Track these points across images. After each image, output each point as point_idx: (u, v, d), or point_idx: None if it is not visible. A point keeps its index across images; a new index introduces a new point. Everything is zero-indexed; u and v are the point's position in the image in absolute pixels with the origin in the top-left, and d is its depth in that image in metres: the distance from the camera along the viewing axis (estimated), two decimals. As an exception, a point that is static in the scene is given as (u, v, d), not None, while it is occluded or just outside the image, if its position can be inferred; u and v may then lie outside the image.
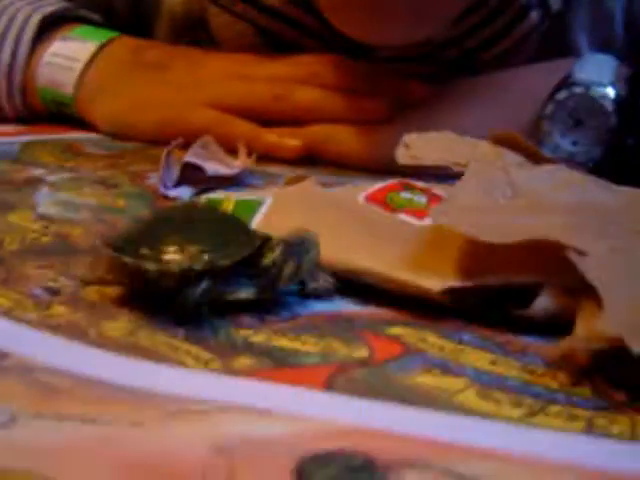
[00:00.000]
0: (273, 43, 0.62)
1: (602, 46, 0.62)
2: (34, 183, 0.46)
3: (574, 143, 0.53)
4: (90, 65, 0.61)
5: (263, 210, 0.37)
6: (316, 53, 0.59)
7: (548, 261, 0.31)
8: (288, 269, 0.31)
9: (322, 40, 0.60)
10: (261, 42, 0.63)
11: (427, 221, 0.36)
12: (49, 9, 0.62)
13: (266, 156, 0.55)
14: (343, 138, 0.56)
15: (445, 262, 0.32)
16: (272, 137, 0.56)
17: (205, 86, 0.58)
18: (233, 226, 0.33)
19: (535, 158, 0.45)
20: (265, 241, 0.32)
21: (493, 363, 0.28)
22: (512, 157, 0.44)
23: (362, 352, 0.28)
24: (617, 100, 0.52)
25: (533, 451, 0.23)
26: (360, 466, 0.21)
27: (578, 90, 0.52)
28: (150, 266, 0.30)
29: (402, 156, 0.44)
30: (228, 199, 0.39)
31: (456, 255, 0.32)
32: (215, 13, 0.64)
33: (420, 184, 0.42)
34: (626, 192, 0.41)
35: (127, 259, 0.30)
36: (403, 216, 0.37)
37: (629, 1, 0.62)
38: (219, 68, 0.59)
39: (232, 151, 0.51)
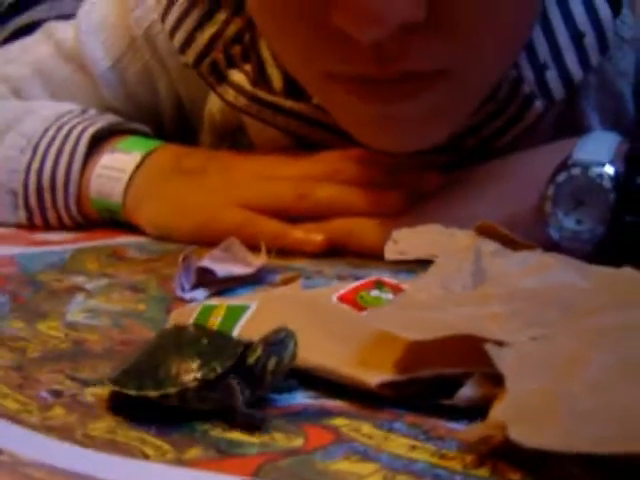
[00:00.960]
0: (304, 144, 0.68)
1: (614, 124, 0.66)
2: (73, 291, 0.53)
3: (578, 222, 0.55)
4: (136, 174, 0.68)
5: (248, 314, 0.43)
6: (339, 150, 0.65)
7: (474, 353, 0.36)
8: (271, 365, 0.36)
9: (348, 138, 0.65)
10: (293, 145, 0.69)
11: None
12: (100, 125, 0.70)
13: (290, 252, 0.61)
14: (363, 231, 0.61)
15: (385, 358, 0.37)
16: (298, 234, 0.62)
17: (235, 188, 0.65)
18: (218, 340, 0.38)
19: (513, 245, 0.49)
20: (247, 346, 0.37)
21: (412, 449, 0.33)
22: (488, 245, 0.49)
23: (297, 442, 0.33)
24: (616, 178, 0.54)
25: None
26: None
27: (576, 171, 0.54)
28: (151, 394, 0.36)
29: (389, 251, 0.49)
30: (221, 306, 0.44)
31: (395, 351, 0.37)
32: (249, 121, 0.71)
33: (392, 281, 0.47)
34: (599, 273, 0.45)
35: (131, 392, 0.36)
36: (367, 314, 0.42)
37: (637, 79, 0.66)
38: (248, 170, 0.66)
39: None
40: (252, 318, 0.43)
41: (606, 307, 0.40)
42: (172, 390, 0.35)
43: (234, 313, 0.43)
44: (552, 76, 0.61)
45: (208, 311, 0.44)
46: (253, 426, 0.35)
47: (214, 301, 0.46)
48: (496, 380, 0.35)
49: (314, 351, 0.39)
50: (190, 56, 0.67)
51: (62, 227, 0.70)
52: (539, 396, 0.32)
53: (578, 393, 0.32)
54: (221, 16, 0.66)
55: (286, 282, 0.49)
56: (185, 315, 0.44)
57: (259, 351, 0.36)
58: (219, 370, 0.36)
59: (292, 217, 0.63)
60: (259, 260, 0.56)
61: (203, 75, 0.67)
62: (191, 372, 0.36)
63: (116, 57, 0.74)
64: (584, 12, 0.61)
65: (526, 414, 0.31)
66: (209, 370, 0.36)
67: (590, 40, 0.61)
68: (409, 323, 0.37)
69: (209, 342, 0.37)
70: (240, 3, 0.65)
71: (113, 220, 0.69)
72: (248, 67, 0.66)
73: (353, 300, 0.44)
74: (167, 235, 0.65)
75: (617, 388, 0.33)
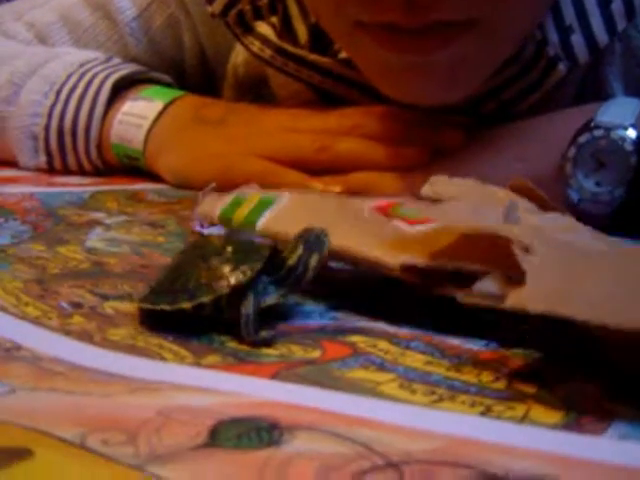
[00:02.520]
0: (326, 99, 0.68)
1: (637, 92, 0.65)
2: (92, 225, 0.53)
3: (598, 184, 0.55)
4: (157, 122, 0.68)
5: (275, 208, 0.44)
6: (361, 106, 0.65)
7: (498, 254, 0.35)
8: (313, 262, 0.37)
9: (371, 94, 0.65)
10: (316, 99, 0.69)
11: (416, 228, 0.41)
12: (123, 72, 0.70)
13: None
14: (381, 185, 0.61)
15: (411, 248, 0.38)
16: (317, 185, 0.62)
17: (257, 139, 0.65)
18: (243, 246, 0.38)
19: (543, 207, 0.49)
20: (273, 248, 0.37)
21: (428, 364, 0.33)
22: (524, 204, 0.49)
23: (315, 354, 0.34)
24: (637, 141, 0.54)
25: (419, 424, 0.28)
26: (264, 427, 0.27)
27: (598, 133, 0.55)
28: (185, 305, 0.36)
29: (426, 190, 0.49)
30: (253, 197, 0.45)
31: (421, 244, 0.38)
32: (273, 73, 0.71)
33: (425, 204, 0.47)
34: (620, 244, 0.45)
35: (165, 307, 0.36)
36: (396, 222, 0.43)
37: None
38: (270, 122, 0.66)
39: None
40: (280, 212, 0.43)
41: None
42: (206, 299, 0.36)
43: (264, 203, 0.44)
44: (577, 40, 0.61)
45: (239, 202, 0.45)
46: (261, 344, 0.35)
47: (248, 193, 0.47)
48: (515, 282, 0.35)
49: (341, 239, 0.39)
50: (217, 6, 0.67)
51: (82, 172, 0.71)
52: (554, 288, 0.32)
53: (590, 290, 0.32)
54: None
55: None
56: (214, 204, 0.46)
57: (300, 250, 0.37)
58: (249, 273, 0.36)
59: (312, 170, 0.63)
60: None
61: (229, 25, 0.68)
62: (223, 279, 0.36)
63: (142, 6, 0.74)
64: None
65: (540, 297, 0.31)
66: (240, 274, 0.36)
67: (617, 5, 0.61)
68: (442, 215, 0.38)
69: (234, 250, 0.38)
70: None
71: (132, 167, 0.70)
72: (274, 19, 0.67)
73: (385, 210, 0.44)
74: (186, 183, 0.66)
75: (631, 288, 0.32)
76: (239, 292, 0.36)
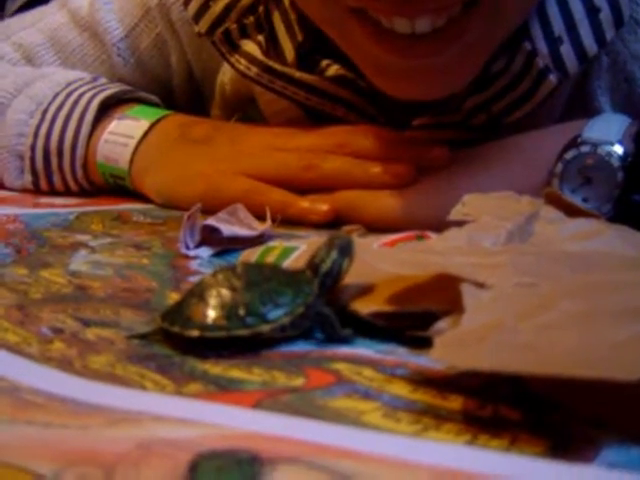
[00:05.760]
0: (313, 116, 0.68)
1: (624, 107, 0.65)
2: (77, 247, 0.53)
3: (584, 200, 0.55)
4: (143, 141, 0.67)
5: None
6: (347, 124, 0.65)
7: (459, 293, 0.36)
8: (345, 266, 0.38)
9: (357, 111, 0.65)
10: (302, 116, 0.69)
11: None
12: (109, 92, 0.70)
13: (295, 221, 0.60)
14: (367, 203, 0.60)
15: (384, 293, 0.38)
16: (304, 203, 0.62)
17: (243, 158, 0.64)
18: (286, 273, 0.39)
19: (577, 214, 0.49)
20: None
21: (413, 391, 0.33)
22: (548, 213, 0.49)
23: (298, 381, 0.33)
24: (624, 157, 0.55)
25: (403, 454, 0.27)
26: (245, 460, 0.26)
27: (585, 149, 0.55)
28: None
29: (455, 212, 0.49)
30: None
31: (394, 288, 0.38)
32: (259, 91, 0.70)
33: (432, 235, 0.47)
34: None
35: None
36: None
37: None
38: (256, 141, 0.65)
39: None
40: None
41: (626, 267, 0.40)
42: (286, 320, 0.36)
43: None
44: (567, 50, 0.61)
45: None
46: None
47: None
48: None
49: None
50: (203, 25, 0.67)
51: (67, 192, 0.70)
52: (482, 327, 0.32)
53: (521, 329, 0.32)
54: None
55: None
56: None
57: (334, 255, 0.38)
58: (315, 290, 0.37)
59: (298, 189, 0.62)
60: (263, 226, 0.56)
61: (216, 44, 0.67)
62: (300, 296, 0.37)
63: (130, 27, 0.74)
64: None
65: (460, 340, 0.31)
66: (306, 295, 0.37)
67: (605, 15, 0.60)
68: (402, 262, 0.38)
69: (283, 275, 0.38)
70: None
71: (118, 187, 0.69)
72: (261, 37, 0.66)
73: (392, 247, 0.45)
74: (172, 202, 0.65)
75: (563, 330, 0.32)
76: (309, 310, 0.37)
